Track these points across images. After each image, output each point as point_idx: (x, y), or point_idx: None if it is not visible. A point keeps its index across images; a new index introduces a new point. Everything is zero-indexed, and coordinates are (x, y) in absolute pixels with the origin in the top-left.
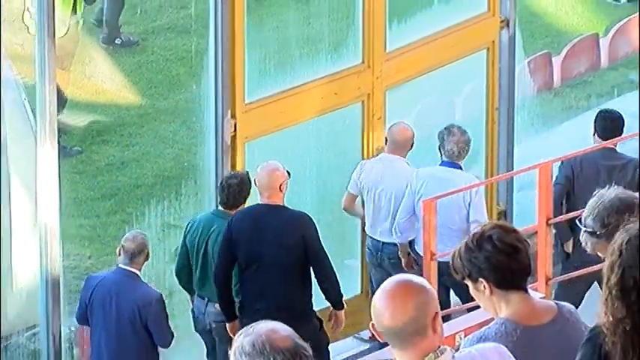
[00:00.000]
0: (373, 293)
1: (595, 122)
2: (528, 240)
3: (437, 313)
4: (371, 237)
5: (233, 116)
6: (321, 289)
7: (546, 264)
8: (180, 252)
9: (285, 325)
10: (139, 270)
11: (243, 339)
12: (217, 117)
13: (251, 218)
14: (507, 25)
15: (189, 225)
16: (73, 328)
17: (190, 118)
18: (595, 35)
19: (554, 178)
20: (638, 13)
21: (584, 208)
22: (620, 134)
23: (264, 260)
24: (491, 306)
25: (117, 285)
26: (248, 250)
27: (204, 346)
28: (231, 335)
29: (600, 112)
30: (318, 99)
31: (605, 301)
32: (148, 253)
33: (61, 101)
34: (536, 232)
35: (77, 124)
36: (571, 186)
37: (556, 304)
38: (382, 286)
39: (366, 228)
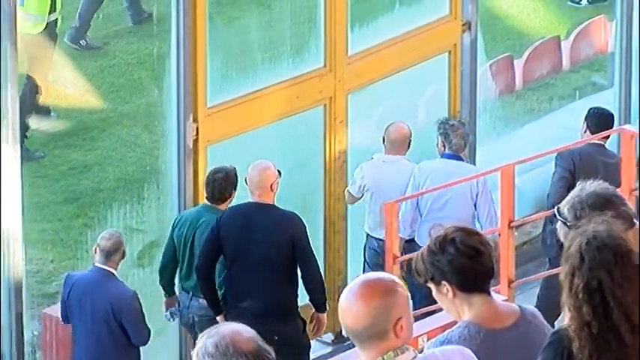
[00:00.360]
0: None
1: (587, 119)
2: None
3: (401, 318)
4: (375, 237)
5: (195, 120)
6: (306, 289)
7: (509, 267)
8: (166, 247)
9: (249, 328)
10: (115, 269)
11: (207, 340)
12: (179, 121)
13: (241, 216)
14: (469, 28)
15: (177, 220)
16: (35, 333)
17: (152, 122)
18: (557, 38)
19: (555, 175)
20: (599, 16)
21: None
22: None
23: (251, 258)
24: (454, 309)
25: (92, 284)
26: (236, 248)
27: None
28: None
29: (592, 109)
30: (280, 103)
31: (569, 306)
32: (124, 252)
33: (33, 103)
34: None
35: (40, 128)
36: (573, 179)
37: (519, 307)
38: (350, 284)
39: (367, 229)
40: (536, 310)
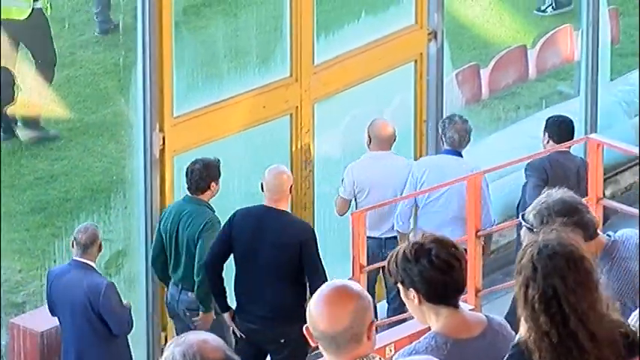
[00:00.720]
0: (388, 294)
1: (547, 128)
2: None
3: (372, 322)
4: (371, 237)
5: (161, 130)
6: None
7: (476, 276)
8: (155, 241)
9: (217, 337)
10: (93, 261)
11: (174, 348)
12: (146, 131)
13: (253, 218)
14: (435, 38)
15: (163, 214)
16: (3, 342)
17: (119, 132)
18: (523, 47)
19: (528, 184)
20: (565, 25)
21: None
22: (573, 137)
23: (259, 261)
24: (421, 315)
25: (69, 278)
26: (246, 249)
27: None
28: (229, 324)
29: (551, 118)
30: (246, 112)
31: (526, 317)
32: (100, 245)
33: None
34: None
35: (6, 138)
36: (547, 187)
37: (486, 316)
38: (320, 290)
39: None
40: (503, 320)
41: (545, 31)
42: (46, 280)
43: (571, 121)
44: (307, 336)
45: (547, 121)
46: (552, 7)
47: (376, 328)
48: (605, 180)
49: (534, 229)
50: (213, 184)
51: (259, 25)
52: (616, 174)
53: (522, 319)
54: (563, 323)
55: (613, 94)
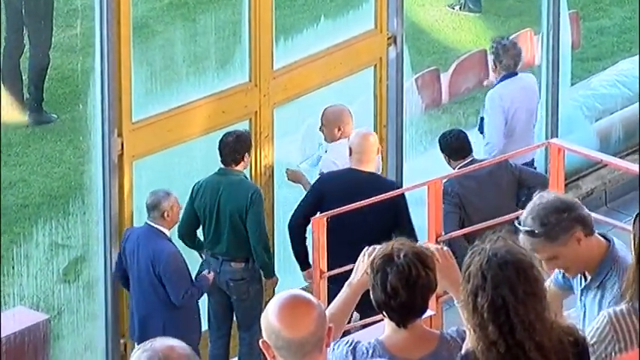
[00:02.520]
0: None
1: (442, 150)
2: None
3: (330, 327)
4: None
5: (120, 135)
6: None
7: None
8: (185, 215)
9: (184, 343)
10: (163, 227)
11: (141, 354)
12: (104, 136)
13: (343, 182)
14: (395, 42)
15: (196, 188)
16: None
17: (77, 137)
18: (483, 51)
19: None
20: (526, 29)
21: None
22: (470, 149)
23: (351, 225)
24: None
25: (139, 239)
26: (337, 216)
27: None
28: (307, 280)
29: (441, 136)
30: (205, 117)
31: (474, 326)
32: (164, 213)
33: None
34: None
35: None
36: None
37: (440, 334)
38: (275, 300)
39: None
40: (459, 328)
41: (505, 35)
42: (122, 237)
43: (462, 133)
44: (264, 350)
45: (439, 141)
46: (460, 8)
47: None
48: (565, 185)
49: (536, 232)
50: (246, 155)
51: (218, 30)
52: (577, 179)
53: (470, 328)
54: (510, 333)
55: (574, 98)
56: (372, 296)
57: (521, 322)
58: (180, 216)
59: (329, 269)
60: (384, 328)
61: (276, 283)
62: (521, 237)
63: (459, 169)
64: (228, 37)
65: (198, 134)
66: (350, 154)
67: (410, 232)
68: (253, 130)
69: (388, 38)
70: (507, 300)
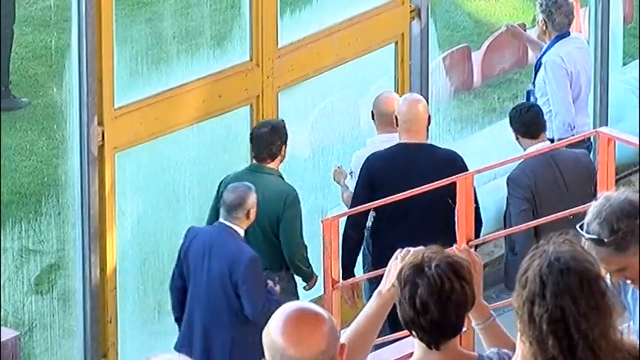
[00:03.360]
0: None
1: (511, 123)
2: None
3: (343, 344)
4: None
5: (100, 123)
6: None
7: None
8: (211, 211)
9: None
10: (241, 227)
11: None
12: (82, 124)
13: (394, 159)
14: (419, 15)
15: (222, 185)
16: None
17: (51, 126)
18: (521, 26)
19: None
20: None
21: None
22: (544, 126)
23: (411, 207)
24: None
25: (211, 240)
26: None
27: None
28: (346, 296)
29: (513, 109)
30: (199, 102)
31: (530, 338)
32: (249, 212)
33: None
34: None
35: None
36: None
37: (479, 357)
38: (279, 314)
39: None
40: (507, 354)
41: None
42: (185, 237)
43: (535, 107)
44: None
45: (509, 114)
46: None
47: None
48: (617, 181)
49: (605, 240)
50: (283, 148)
51: (214, 1)
52: (630, 174)
53: (523, 340)
54: (570, 350)
55: (625, 81)
56: (398, 312)
57: (584, 338)
58: (207, 218)
59: (379, 258)
60: (414, 346)
61: (316, 281)
62: (586, 245)
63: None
64: (225, 9)
65: (190, 122)
66: (396, 124)
67: (475, 212)
68: (255, 117)
69: (411, 11)
70: (567, 312)
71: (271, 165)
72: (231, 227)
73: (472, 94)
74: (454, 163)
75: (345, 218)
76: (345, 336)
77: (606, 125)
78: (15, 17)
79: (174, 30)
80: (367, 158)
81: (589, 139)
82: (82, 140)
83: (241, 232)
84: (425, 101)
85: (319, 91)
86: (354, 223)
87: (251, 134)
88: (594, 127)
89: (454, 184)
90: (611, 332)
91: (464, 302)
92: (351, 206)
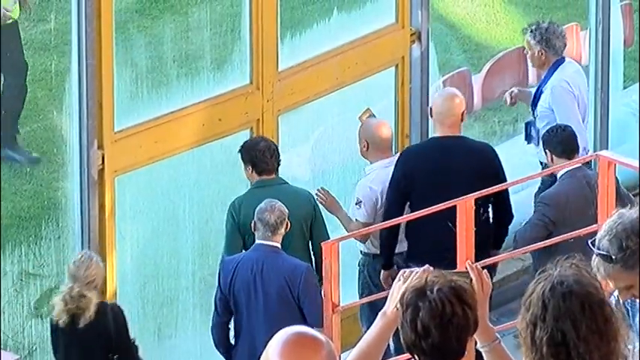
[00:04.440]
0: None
1: (546, 144)
2: None
3: None
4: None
5: (100, 147)
6: (499, 225)
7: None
8: (232, 236)
9: None
10: (279, 242)
11: None
12: (82, 148)
13: (429, 155)
14: (419, 39)
15: (236, 207)
16: None
17: (51, 150)
18: (521, 49)
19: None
20: (572, 24)
21: None
22: (578, 148)
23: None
24: None
25: (260, 262)
26: (427, 192)
27: None
28: (384, 285)
29: (548, 131)
30: (198, 126)
31: None
32: (287, 224)
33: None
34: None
35: None
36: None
37: None
38: (277, 339)
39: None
40: None
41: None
42: (223, 270)
43: (570, 128)
44: None
45: (544, 136)
46: None
47: None
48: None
49: (613, 257)
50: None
51: (213, 25)
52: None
53: None
54: None
55: (626, 104)
56: (401, 335)
57: None
58: (227, 243)
59: (413, 254)
60: None
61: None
62: (595, 261)
63: (564, 172)
64: (225, 32)
65: (190, 146)
66: (431, 116)
67: (507, 209)
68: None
69: (412, 34)
70: (568, 336)
71: (274, 175)
72: (273, 245)
73: (472, 118)
74: (487, 155)
75: (345, 242)
76: (350, 357)
77: (607, 148)
78: (27, 72)
79: (175, 54)
80: (401, 154)
81: (589, 162)
82: (82, 164)
83: (280, 246)
84: (462, 96)
85: (319, 114)
86: (389, 234)
87: (253, 151)
88: (595, 150)
89: (497, 174)
90: (614, 358)
91: (466, 326)
92: (385, 210)
